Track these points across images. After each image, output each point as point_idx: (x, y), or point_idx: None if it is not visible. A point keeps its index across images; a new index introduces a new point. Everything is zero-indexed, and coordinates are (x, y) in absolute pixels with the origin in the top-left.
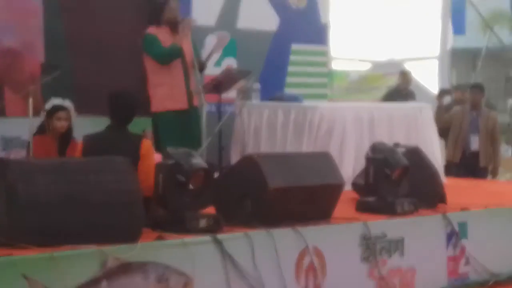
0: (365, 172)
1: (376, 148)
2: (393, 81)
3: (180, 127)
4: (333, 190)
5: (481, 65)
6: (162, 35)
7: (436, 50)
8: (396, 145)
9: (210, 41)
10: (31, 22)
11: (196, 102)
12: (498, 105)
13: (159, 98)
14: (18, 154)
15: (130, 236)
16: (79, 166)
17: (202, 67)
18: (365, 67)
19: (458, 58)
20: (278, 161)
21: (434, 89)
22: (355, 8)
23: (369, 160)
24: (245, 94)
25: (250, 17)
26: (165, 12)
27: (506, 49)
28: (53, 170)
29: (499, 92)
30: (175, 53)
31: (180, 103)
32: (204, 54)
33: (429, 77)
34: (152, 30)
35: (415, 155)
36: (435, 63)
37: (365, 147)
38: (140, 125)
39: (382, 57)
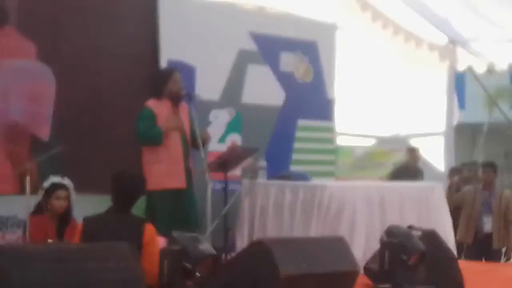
0: (380, 256)
1: (391, 232)
2: (399, 157)
3: (177, 206)
4: (348, 278)
5: (482, 141)
6: (161, 108)
7: (442, 126)
8: (411, 228)
9: (219, 117)
10: (42, 102)
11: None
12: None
13: (155, 176)
14: (14, 234)
15: None
16: (79, 253)
17: (207, 141)
18: (369, 142)
19: (459, 134)
20: (290, 246)
21: (441, 166)
22: (360, 83)
23: (384, 244)
24: (253, 173)
25: (256, 91)
26: (168, 84)
27: (508, 125)
28: (51, 257)
29: (500, 168)
30: (155, 140)
31: (179, 182)
32: (211, 128)
33: (435, 154)
34: (151, 103)
35: (432, 239)
36: (440, 139)
37: (376, 229)
38: None
39: (387, 133)
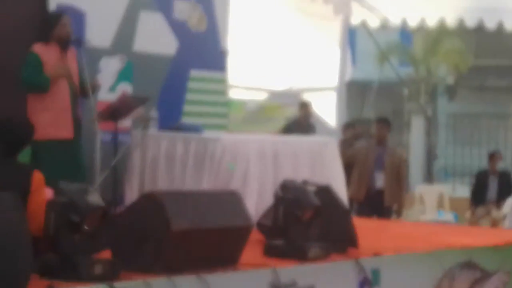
0: (274, 212)
1: (285, 187)
2: (291, 112)
3: (63, 157)
4: (241, 233)
5: (372, 98)
6: (49, 53)
7: (334, 81)
8: (305, 182)
9: (106, 64)
10: None
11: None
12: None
13: (41, 125)
14: None
15: (16, 284)
16: None
17: (96, 90)
18: (262, 96)
19: (349, 90)
20: (182, 200)
21: (332, 122)
22: (253, 35)
23: (278, 199)
24: (144, 124)
25: (148, 39)
26: (56, 28)
27: (398, 82)
28: None
29: None
30: (41, 87)
31: (65, 132)
32: (101, 77)
33: (326, 109)
34: (38, 47)
35: (326, 194)
36: (333, 95)
37: (269, 183)
38: None
39: (280, 87)
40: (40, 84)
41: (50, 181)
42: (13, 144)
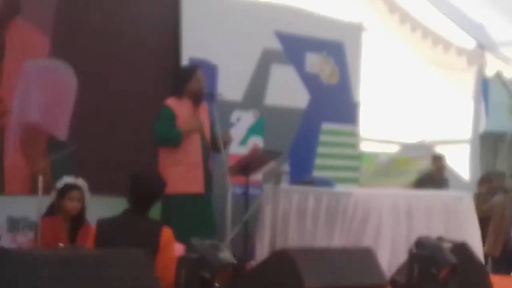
0: (408, 269)
1: (420, 243)
2: (423, 165)
3: (194, 212)
4: None
5: (506, 150)
6: (181, 107)
7: (467, 133)
8: (441, 239)
9: (242, 118)
10: (63, 103)
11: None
12: None
13: (172, 179)
14: (25, 236)
15: None
16: (91, 259)
17: (228, 143)
18: (393, 149)
19: (482, 142)
20: (315, 257)
21: (466, 175)
22: (385, 88)
23: (413, 256)
24: (275, 178)
25: (279, 92)
26: (190, 83)
27: None
28: (61, 263)
29: None
30: (173, 142)
31: (197, 186)
32: (232, 130)
33: (459, 162)
34: (171, 101)
35: (463, 252)
36: (466, 147)
37: (402, 239)
38: None
39: (412, 139)
40: (172, 138)
41: (180, 237)
42: (145, 199)
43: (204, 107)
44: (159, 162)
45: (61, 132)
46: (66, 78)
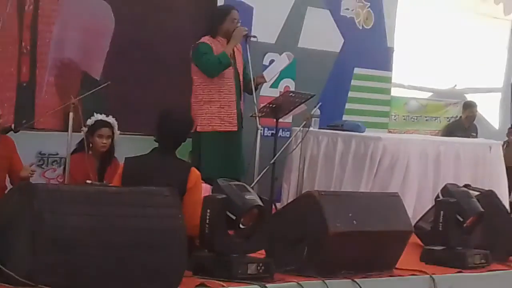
0: (434, 216)
1: (447, 190)
2: (454, 112)
3: (225, 151)
4: (400, 238)
5: None
6: (216, 47)
7: (499, 82)
8: (468, 187)
9: (276, 60)
10: (100, 42)
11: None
12: None
13: (206, 117)
14: (54, 171)
15: (169, 282)
16: (117, 197)
17: (260, 85)
18: (425, 95)
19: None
20: (342, 201)
21: (495, 123)
22: (420, 34)
23: (439, 203)
24: (307, 121)
25: (313, 36)
26: (225, 23)
27: None
28: (87, 200)
29: None
30: (224, 62)
31: (230, 125)
32: (267, 73)
33: (490, 110)
34: (206, 39)
35: (490, 200)
36: (497, 96)
37: (429, 185)
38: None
39: (444, 86)
40: (223, 61)
41: (210, 175)
42: (173, 138)
43: (238, 47)
44: (192, 100)
45: (96, 70)
46: (104, 17)
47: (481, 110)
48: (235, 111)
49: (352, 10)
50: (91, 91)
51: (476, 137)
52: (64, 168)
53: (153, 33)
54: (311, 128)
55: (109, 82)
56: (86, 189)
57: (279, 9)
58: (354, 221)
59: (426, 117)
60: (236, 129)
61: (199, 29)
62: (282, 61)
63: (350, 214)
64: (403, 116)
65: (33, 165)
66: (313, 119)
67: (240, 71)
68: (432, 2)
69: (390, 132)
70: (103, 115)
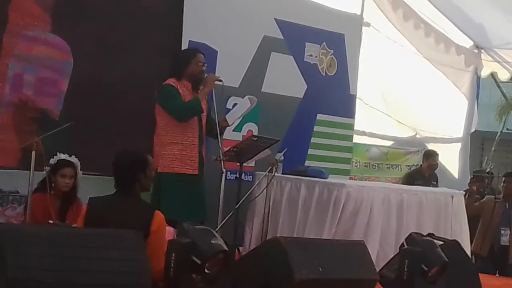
0: (399, 265)
1: (412, 239)
2: (414, 160)
3: (185, 193)
4: (365, 286)
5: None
6: (182, 90)
7: (459, 132)
8: (431, 236)
9: (238, 104)
10: (57, 78)
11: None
12: None
13: (168, 158)
14: (14, 210)
15: None
16: (81, 238)
17: (223, 129)
18: (386, 143)
19: (471, 142)
20: (307, 248)
21: (455, 173)
22: (380, 82)
23: (404, 252)
24: (272, 166)
25: (277, 81)
26: (190, 65)
27: None
28: (50, 241)
29: None
30: (195, 108)
31: (191, 168)
32: (230, 117)
33: (450, 160)
34: (172, 81)
35: (454, 250)
36: (457, 146)
37: (392, 232)
38: None
39: (404, 134)
40: (194, 105)
41: (172, 221)
42: (126, 178)
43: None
44: (155, 140)
45: (55, 109)
46: (62, 55)
47: (441, 159)
48: (197, 154)
49: (316, 56)
50: (55, 130)
51: (436, 186)
52: (25, 207)
53: (115, 74)
54: (275, 174)
55: (72, 122)
56: (50, 230)
57: (243, 53)
58: (320, 269)
59: (387, 164)
60: (196, 173)
61: (162, 71)
62: (244, 104)
63: (316, 261)
64: (365, 163)
65: None
66: (278, 164)
67: (203, 115)
68: (395, 51)
69: (351, 178)
70: (66, 154)
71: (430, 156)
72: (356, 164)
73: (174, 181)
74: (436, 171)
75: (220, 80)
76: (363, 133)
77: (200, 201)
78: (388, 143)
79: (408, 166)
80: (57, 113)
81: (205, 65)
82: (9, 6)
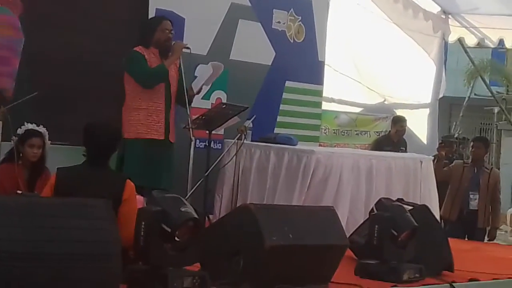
0: (368, 230)
1: (382, 205)
2: (383, 126)
3: (150, 160)
4: (336, 252)
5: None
6: (149, 57)
7: (427, 98)
8: (401, 201)
9: (201, 71)
10: (7, 37)
11: (172, 136)
12: None
13: (133, 123)
14: None
15: None
16: (49, 208)
17: (191, 97)
18: (355, 110)
19: (439, 107)
20: (277, 215)
21: (423, 138)
22: (349, 48)
23: (374, 217)
24: (241, 134)
25: (245, 48)
26: (156, 33)
27: (488, 100)
28: (19, 211)
29: None
30: (161, 75)
31: (156, 133)
32: (195, 84)
33: (419, 125)
34: (139, 49)
35: (423, 215)
36: (425, 112)
37: (361, 198)
38: None
39: (373, 101)
40: (160, 71)
41: (141, 189)
42: (101, 151)
43: None
44: (123, 108)
45: (9, 84)
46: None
47: (409, 125)
48: (163, 120)
49: (284, 23)
50: (20, 100)
51: (405, 151)
52: None
53: (81, 43)
54: (243, 141)
55: (36, 92)
56: (18, 200)
57: (211, 21)
58: (290, 235)
59: (356, 131)
60: (163, 138)
61: (129, 39)
62: (207, 70)
63: (286, 228)
64: (334, 129)
65: None
66: (246, 131)
67: (172, 82)
68: (364, 17)
69: (320, 145)
70: (33, 124)
71: (398, 122)
72: (326, 131)
73: (139, 147)
74: (404, 137)
75: (188, 48)
76: (331, 100)
77: (167, 168)
78: (357, 109)
79: (377, 132)
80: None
81: (172, 32)
82: None
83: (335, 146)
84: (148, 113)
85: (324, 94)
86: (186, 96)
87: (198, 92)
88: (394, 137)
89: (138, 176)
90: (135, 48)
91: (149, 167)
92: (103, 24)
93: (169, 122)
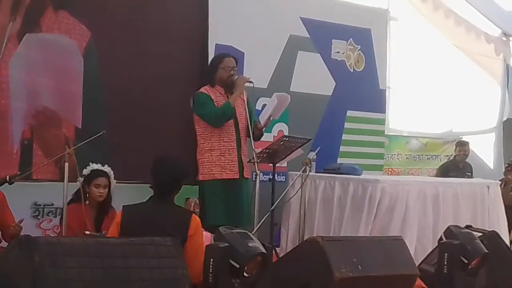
0: (438, 258)
1: (450, 232)
2: (452, 150)
3: (228, 199)
4: (406, 281)
5: None
6: (215, 96)
7: (493, 121)
8: (469, 227)
9: (263, 104)
10: (71, 87)
11: (247, 173)
12: None
13: (207, 165)
14: (50, 222)
15: None
16: (119, 248)
17: (260, 131)
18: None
19: (505, 130)
20: (346, 246)
21: (490, 163)
22: (413, 75)
23: (443, 245)
24: (306, 166)
25: (305, 79)
26: (218, 71)
27: None
28: (88, 252)
29: None
30: (227, 113)
31: (231, 172)
32: (261, 117)
33: (485, 150)
34: (204, 89)
35: (493, 241)
36: (491, 136)
37: (429, 226)
38: (183, 193)
39: (439, 130)
40: (225, 111)
41: (209, 226)
42: (167, 184)
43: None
44: (197, 150)
45: (77, 117)
46: (72, 68)
47: (475, 149)
48: (236, 158)
49: (343, 53)
50: (87, 140)
51: (471, 176)
52: (61, 219)
53: (144, 81)
54: (307, 173)
55: (104, 132)
56: (87, 241)
57: (270, 54)
58: (359, 266)
59: (427, 155)
60: (237, 177)
61: (191, 76)
62: (272, 102)
63: (355, 259)
64: (406, 155)
65: (23, 221)
66: (310, 163)
67: (240, 118)
68: (426, 43)
69: (394, 171)
70: (98, 164)
71: (460, 145)
72: (398, 157)
73: (215, 187)
74: (470, 162)
75: (251, 82)
76: (400, 133)
77: (244, 205)
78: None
79: (447, 156)
80: (79, 122)
81: (235, 68)
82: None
83: (408, 172)
84: (220, 153)
85: (391, 126)
86: (250, 131)
87: (266, 125)
88: (458, 162)
89: (220, 216)
90: (200, 90)
91: (229, 206)
92: (164, 61)
93: (242, 160)
